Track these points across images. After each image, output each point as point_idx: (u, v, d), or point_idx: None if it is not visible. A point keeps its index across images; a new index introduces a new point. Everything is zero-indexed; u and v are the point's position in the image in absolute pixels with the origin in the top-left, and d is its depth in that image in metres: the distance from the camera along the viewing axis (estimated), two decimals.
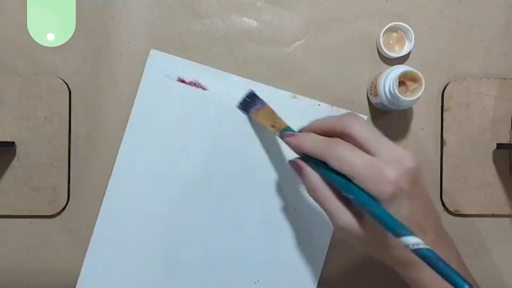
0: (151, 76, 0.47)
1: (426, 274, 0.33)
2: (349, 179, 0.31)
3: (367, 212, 0.31)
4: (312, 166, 0.35)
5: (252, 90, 0.46)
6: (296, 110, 0.47)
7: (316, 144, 0.33)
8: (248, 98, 0.46)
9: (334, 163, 0.31)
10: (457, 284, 0.26)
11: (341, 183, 0.32)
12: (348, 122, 0.33)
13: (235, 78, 0.47)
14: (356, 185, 0.31)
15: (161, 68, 0.47)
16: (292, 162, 0.36)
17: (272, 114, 0.43)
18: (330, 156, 0.32)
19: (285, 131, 0.39)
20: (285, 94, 0.47)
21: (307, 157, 0.35)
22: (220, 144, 0.47)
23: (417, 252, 0.28)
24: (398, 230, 0.29)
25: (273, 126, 0.41)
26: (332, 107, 0.47)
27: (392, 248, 0.33)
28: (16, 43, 0.47)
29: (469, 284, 0.26)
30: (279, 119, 0.42)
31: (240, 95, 0.46)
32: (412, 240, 0.28)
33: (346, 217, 0.32)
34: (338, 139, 0.32)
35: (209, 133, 0.47)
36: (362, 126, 0.32)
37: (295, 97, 0.47)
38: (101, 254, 0.46)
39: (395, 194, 0.30)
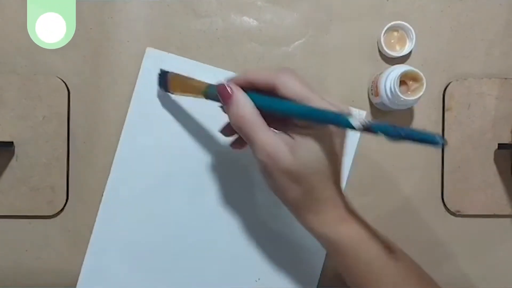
0: (147, 74, 0.46)
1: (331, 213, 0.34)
2: None
3: (319, 120, 0.31)
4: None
5: (162, 69, 0.44)
6: None
7: (266, 73, 0.34)
8: (161, 77, 0.44)
9: (286, 88, 0.32)
10: (431, 139, 0.26)
11: (284, 102, 0.32)
12: (280, 81, 0.33)
13: (232, 75, 0.47)
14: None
15: (157, 66, 0.46)
16: (220, 86, 0.34)
17: (186, 79, 0.42)
18: (281, 81, 0.32)
19: (210, 88, 0.37)
20: None
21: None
22: (218, 142, 0.47)
23: (373, 126, 0.28)
24: (347, 116, 0.30)
25: (194, 88, 0.39)
26: None
27: (317, 186, 0.33)
28: (15, 42, 0.47)
29: (439, 136, 0.26)
30: (197, 81, 0.40)
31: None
32: (362, 116, 0.30)
33: (278, 145, 0.32)
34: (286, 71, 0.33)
35: (207, 131, 0.47)
36: (294, 85, 0.33)
37: None
38: (100, 254, 0.46)
39: None
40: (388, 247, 0.34)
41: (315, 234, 0.35)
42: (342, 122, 0.30)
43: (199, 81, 0.40)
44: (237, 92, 0.34)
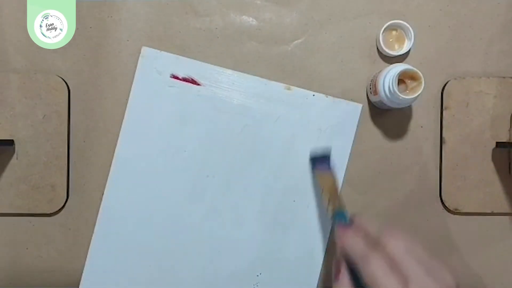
0: (143, 73, 0.47)
1: None
2: None
3: None
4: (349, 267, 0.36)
5: (330, 151, 0.46)
6: (291, 101, 0.47)
7: (356, 250, 0.35)
8: (322, 156, 0.46)
9: (366, 277, 0.33)
10: None
11: None
12: (388, 241, 0.33)
13: (228, 72, 0.47)
14: None
15: (154, 65, 0.47)
16: (335, 262, 0.38)
17: (333, 185, 0.43)
18: (363, 267, 0.33)
19: (338, 216, 0.40)
20: (279, 86, 0.47)
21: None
22: (216, 139, 0.47)
23: None
24: None
25: (329, 200, 0.42)
26: (327, 96, 0.47)
27: None
28: (15, 41, 0.47)
29: None
30: (336, 195, 0.42)
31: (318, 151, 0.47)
32: None
33: None
34: (376, 255, 0.33)
35: (205, 128, 0.47)
36: (401, 248, 0.33)
37: (289, 89, 0.47)
38: (103, 252, 0.46)
39: None
40: None
41: None
42: None
43: (336, 198, 0.42)
44: (343, 274, 0.35)
